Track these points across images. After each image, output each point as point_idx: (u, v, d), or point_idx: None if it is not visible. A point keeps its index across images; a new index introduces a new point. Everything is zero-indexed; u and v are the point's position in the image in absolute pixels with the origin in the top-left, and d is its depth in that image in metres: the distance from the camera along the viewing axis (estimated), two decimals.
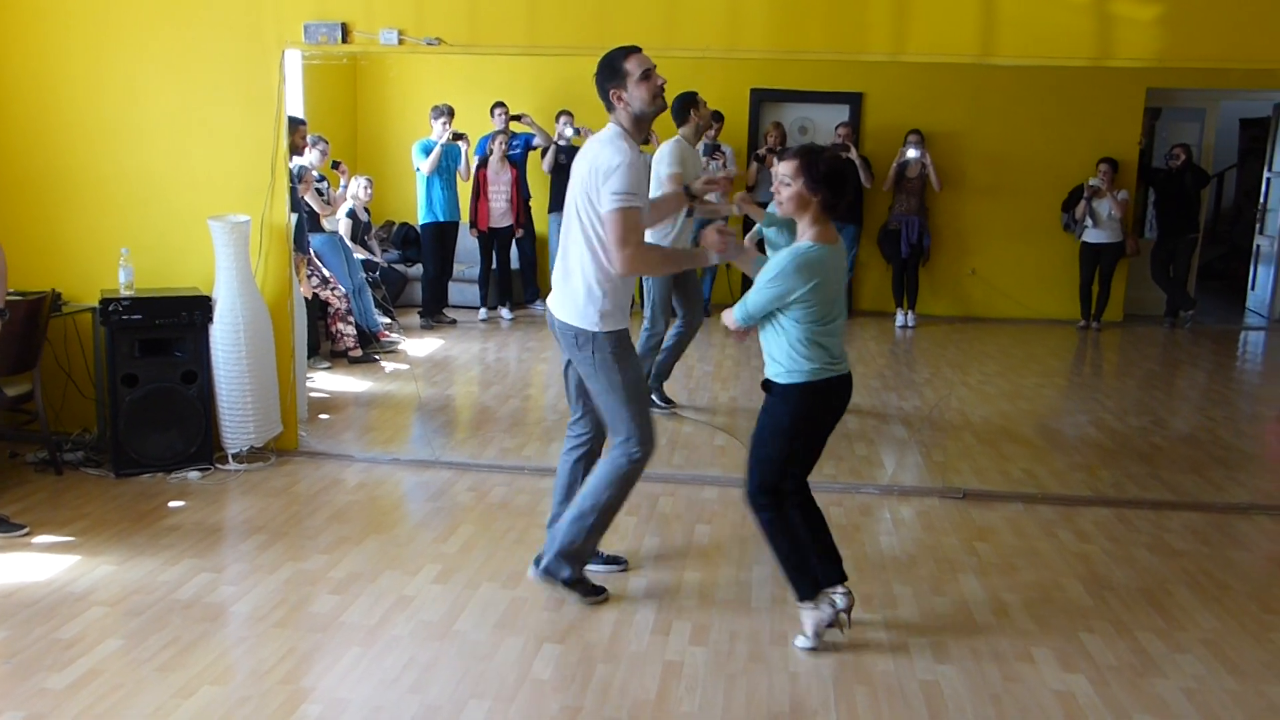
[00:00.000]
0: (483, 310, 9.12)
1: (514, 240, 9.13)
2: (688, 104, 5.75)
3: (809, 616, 3.43)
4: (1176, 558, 4.32)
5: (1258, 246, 10.66)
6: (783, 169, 3.29)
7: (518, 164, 9.07)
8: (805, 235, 3.32)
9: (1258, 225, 10.74)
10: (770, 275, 3.26)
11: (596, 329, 3.52)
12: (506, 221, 8.97)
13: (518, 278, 9.54)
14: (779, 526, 3.41)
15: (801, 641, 3.44)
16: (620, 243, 3.39)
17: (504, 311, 9.18)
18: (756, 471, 3.42)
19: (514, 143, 9.04)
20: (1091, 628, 3.65)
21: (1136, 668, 3.38)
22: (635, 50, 3.50)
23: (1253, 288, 10.76)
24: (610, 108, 3.53)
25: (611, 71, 3.49)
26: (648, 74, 3.46)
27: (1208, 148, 10.47)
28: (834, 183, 3.27)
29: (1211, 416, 6.80)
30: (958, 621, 3.68)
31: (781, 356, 3.34)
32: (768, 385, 3.41)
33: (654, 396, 6.15)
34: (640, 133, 3.55)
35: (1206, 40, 4.86)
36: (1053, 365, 8.50)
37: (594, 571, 3.84)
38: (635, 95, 3.46)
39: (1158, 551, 4.38)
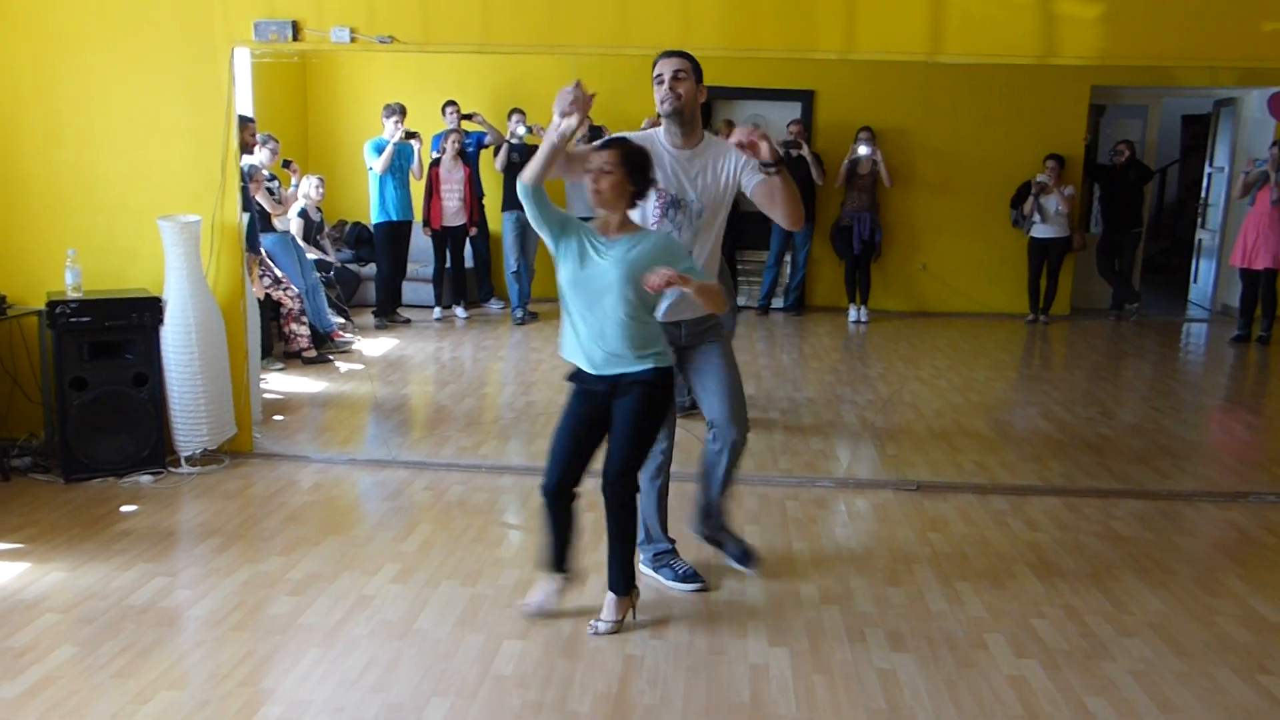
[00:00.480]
0: (437, 310, 9.09)
1: (468, 239, 9.11)
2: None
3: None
4: (1124, 544, 4.42)
5: (1199, 240, 10.91)
6: (603, 157, 3.34)
7: (470, 162, 9.04)
8: (628, 225, 3.40)
9: (1199, 220, 10.99)
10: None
11: None
12: (460, 220, 8.94)
13: (472, 276, 9.51)
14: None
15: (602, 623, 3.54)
16: None
17: (459, 310, 9.15)
18: (638, 459, 3.49)
19: (466, 141, 9.02)
20: (1042, 613, 3.73)
21: (1087, 651, 3.46)
22: (659, 56, 3.64)
23: (1195, 280, 11.00)
24: None
25: None
26: (656, 79, 3.61)
27: (1151, 144, 10.69)
28: (648, 177, 3.42)
29: (1157, 407, 6.96)
30: (913, 610, 3.74)
31: (659, 344, 3.44)
32: (653, 375, 3.43)
33: None
34: (669, 133, 3.66)
35: (1149, 39, 4.97)
36: (1002, 358, 8.64)
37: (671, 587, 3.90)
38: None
39: (1105, 538, 4.48)
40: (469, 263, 9.36)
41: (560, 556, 3.56)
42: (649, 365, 3.40)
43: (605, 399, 3.44)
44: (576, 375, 3.50)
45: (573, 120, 3.31)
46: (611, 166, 3.32)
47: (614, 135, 3.54)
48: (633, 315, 3.35)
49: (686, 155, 3.65)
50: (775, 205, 3.62)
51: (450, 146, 8.76)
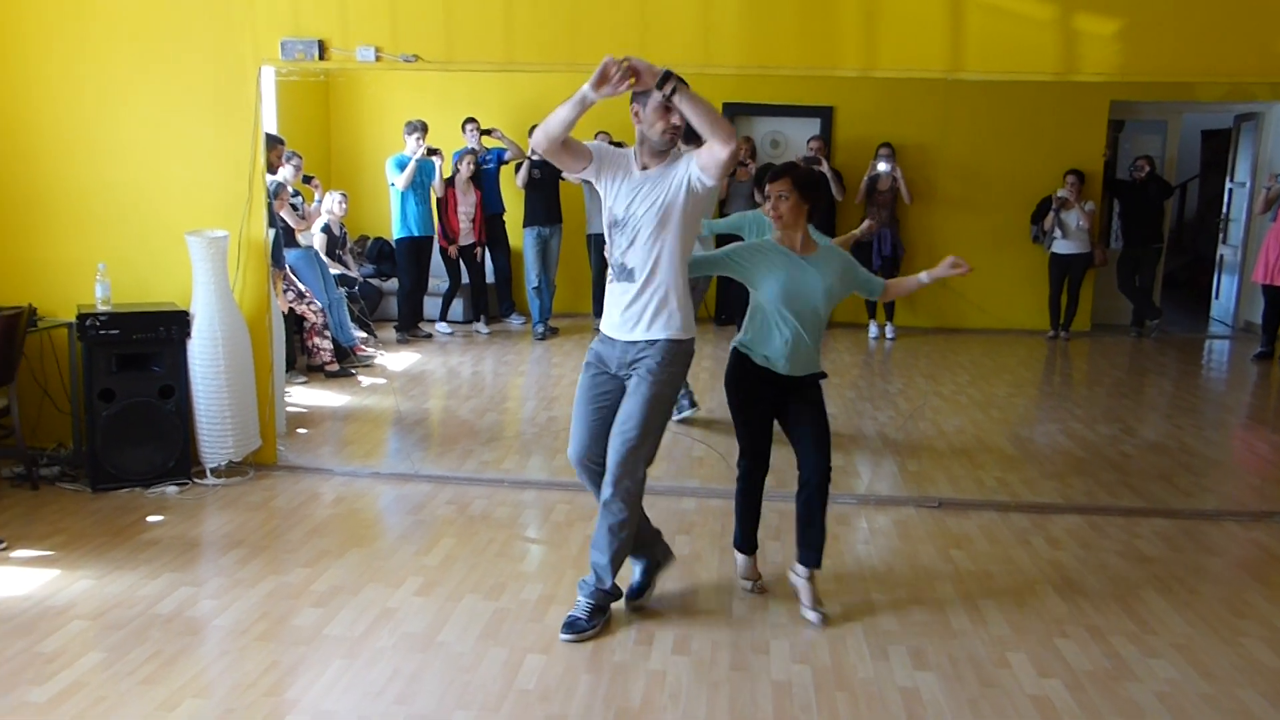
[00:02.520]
0: (442, 324, 9.10)
1: (476, 256, 9.15)
2: None
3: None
4: (1147, 563, 4.40)
5: (1221, 256, 10.86)
6: (779, 186, 3.71)
7: (486, 183, 9.09)
8: (810, 242, 3.86)
9: (1220, 235, 10.93)
10: None
11: None
12: (471, 239, 9.03)
13: (493, 291, 9.56)
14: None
15: None
16: None
17: (480, 326, 9.19)
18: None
19: (486, 157, 9.08)
20: (1066, 633, 3.71)
21: (1111, 672, 3.44)
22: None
23: (1216, 296, 10.94)
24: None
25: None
26: (667, 108, 3.39)
27: (1170, 159, 10.66)
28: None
29: (1179, 424, 6.92)
30: (935, 628, 3.74)
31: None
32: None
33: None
34: (641, 154, 3.52)
35: (1167, 54, 4.98)
36: (1023, 375, 8.61)
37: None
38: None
39: (1129, 557, 4.46)
40: (489, 278, 9.41)
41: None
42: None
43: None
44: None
45: (604, 91, 3.25)
46: (787, 191, 3.71)
47: (785, 163, 3.88)
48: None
49: (644, 175, 3.49)
50: (701, 130, 3.30)
51: (465, 168, 8.81)
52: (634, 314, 3.53)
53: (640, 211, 3.48)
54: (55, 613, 3.64)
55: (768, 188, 3.74)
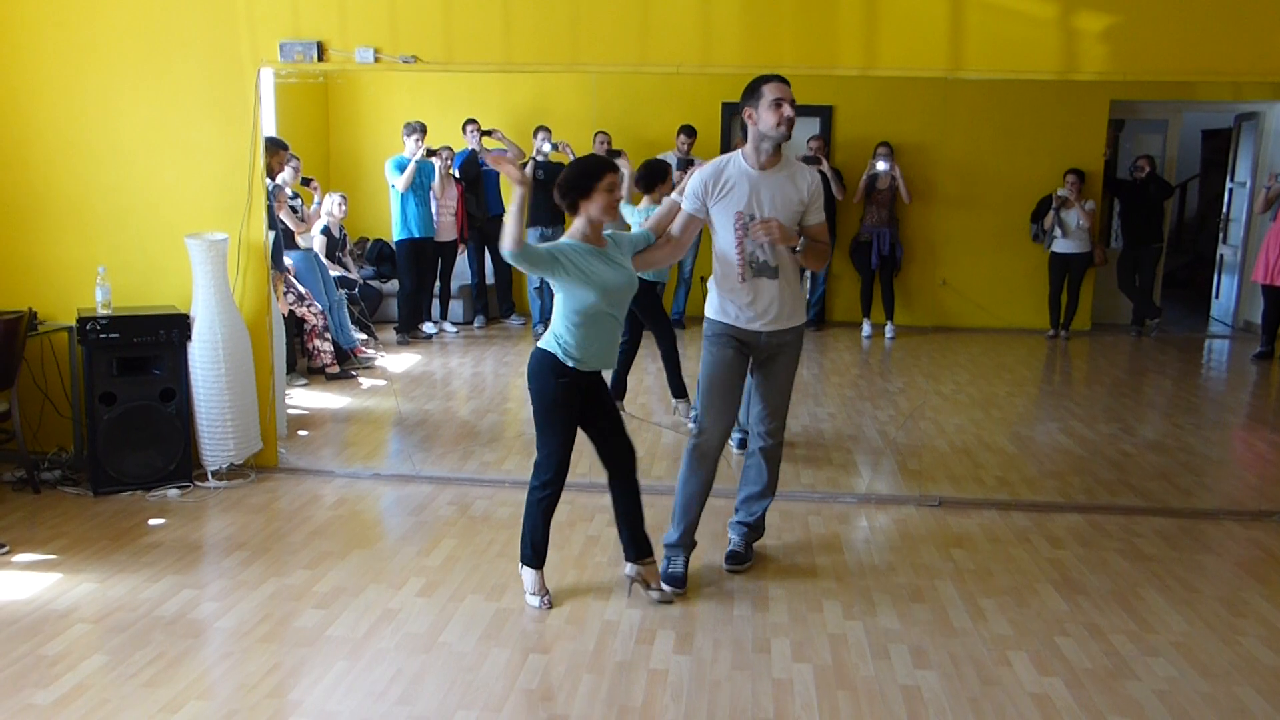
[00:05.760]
0: (428, 325, 9.08)
1: (458, 252, 9.14)
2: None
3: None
4: (1147, 562, 4.41)
5: (1221, 256, 10.84)
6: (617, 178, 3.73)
7: (489, 179, 9.09)
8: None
9: (1220, 235, 10.92)
10: None
11: None
12: (451, 236, 9.02)
13: (493, 292, 9.55)
14: None
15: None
16: None
17: (428, 327, 9.07)
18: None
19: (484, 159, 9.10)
20: (1066, 631, 3.72)
21: (1110, 670, 3.45)
22: (770, 79, 3.85)
23: (1217, 296, 10.92)
24: (743, 127, 3.89)
25: (749, 92, 3.88)
26: (775, 103, 3.78)
27: (1171, 159, 10.64)
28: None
29: (1179, 423, 6.93)
30: (936, 627, 3.74)
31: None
32: None
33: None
34: (755, 154, 3.84)
35: (1167, 54, 4.98)
36: (1023, 374, 8.62)
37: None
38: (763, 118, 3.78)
39: (1129, 556, 4.47)
40: (489, 279, 9.41)
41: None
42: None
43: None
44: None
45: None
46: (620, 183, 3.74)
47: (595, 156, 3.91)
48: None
49: (764, 175, 3.82)
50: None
51: (440, 165, 8.80)
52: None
53: (768, 213, 3.80)
54: (58, 616, 3.65)
55: (608, 179, 3.66)
